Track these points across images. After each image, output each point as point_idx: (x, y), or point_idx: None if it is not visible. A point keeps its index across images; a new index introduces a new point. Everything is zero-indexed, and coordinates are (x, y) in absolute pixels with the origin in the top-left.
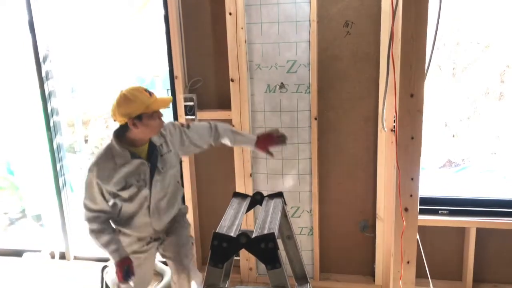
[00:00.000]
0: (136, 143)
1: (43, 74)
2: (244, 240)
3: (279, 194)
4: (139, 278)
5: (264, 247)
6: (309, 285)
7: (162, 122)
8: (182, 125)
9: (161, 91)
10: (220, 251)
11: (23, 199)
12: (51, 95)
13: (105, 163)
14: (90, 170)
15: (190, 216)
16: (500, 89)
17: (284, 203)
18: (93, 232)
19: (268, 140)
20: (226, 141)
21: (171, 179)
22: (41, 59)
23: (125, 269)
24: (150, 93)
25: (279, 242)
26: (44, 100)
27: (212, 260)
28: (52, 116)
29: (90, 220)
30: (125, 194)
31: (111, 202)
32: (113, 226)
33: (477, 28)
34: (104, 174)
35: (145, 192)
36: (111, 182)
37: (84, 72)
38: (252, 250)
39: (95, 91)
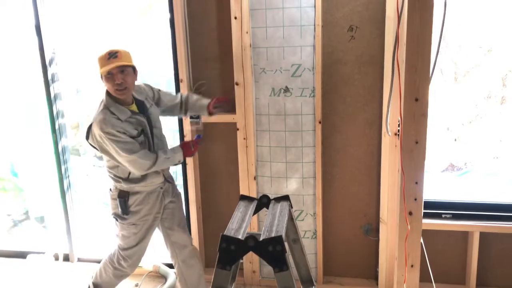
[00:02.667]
0: (121, 102)
1: (49, 77)
2: (252, 243)
3: (286, 197)
4: (140, 247)
5: (272, 250)
6: None
7: (115, 84)
8: (154, 88)
9: None
10: (228, 253)
11: (26, 200)
12: (57, 97)
13: (110, 118)
14: (101, 129)
15: (193, 219)
16: (502, 93)
17: (291, 206)
18: (148, 166)
19: (216, 99)
20: (190, 100)
21: (160, 126)
22: (47, 62)
23: (196, 138)
24: (111, 55)
25: (286, 245)
26: (50, 102)
27: (220, 262)
28: (58, 118)
29: (139, 161)
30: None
31: None
32: (125, 186)
33: (479, 32)
34: (116, 125)
35: (147, 142)
36: (124, 130)
37: (89, 74)
38: (260, 253)
39: (100, 93)
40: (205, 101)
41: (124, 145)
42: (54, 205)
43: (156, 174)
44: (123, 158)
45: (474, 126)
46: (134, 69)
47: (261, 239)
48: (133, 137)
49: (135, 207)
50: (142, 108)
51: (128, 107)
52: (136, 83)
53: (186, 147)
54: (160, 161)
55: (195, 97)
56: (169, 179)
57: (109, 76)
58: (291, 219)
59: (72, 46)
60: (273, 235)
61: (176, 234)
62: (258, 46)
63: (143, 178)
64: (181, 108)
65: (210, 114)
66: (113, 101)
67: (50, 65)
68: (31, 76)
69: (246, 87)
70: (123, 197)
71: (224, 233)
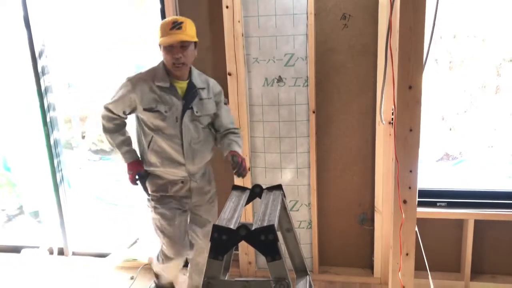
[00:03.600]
0: (172, 75)
1: (39, 69)
2: (244, 232)
3: (278, 187)
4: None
5: (264, 239)
6: (309, 277)
7: (173, 58)
8: (225, 98)
9: None
10: (220, 243)
11: (20, 195)
12: (48, 90)
13: (144, 79)
14: (129, 79)
15: None
16: (496, 82)
17: (283, 195)
18: (107, 130)
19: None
20: (224, 140)
21: (207, 126)
22: (36, 54)
23: (137, 173)
24: (175, 25)
25: (279, 235)
26: (41, 95)
27: (212, 252)
28: (49, 111)
29: (106, 119)
30: (151, 118)
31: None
32: (147, 167)
33: (474, 21)
34: (139, 87)
35: (174, 127)
36: (143, 97)
37: (81, 68)
38: (252, 242)
39: (92, 86)
40: (228, 150)
41: (115, 93)
42: (48, 200)
43: (177, 164)
44: (109, 98)
45: (469, 115)
46: (195, 44)
47: (253, 228)
48: (156, 110)
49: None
50: (190, 91)
51: (176, 82)
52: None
53: (132, 169)
54: (117, 139)
55: (227, 141)
56: (194, 178)
57: (168, 48)
58: (284, 208)
59: (62, 39)
60: (265, 224)
61: (196, 239)
62: (250, 36)
63: (161, 156)
64: (216, 138)
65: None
66: (164, 68)
67: (40, 58)
68: (21, 69)
69: (239, 77)
70: (143, 177)
71: (216, 223)
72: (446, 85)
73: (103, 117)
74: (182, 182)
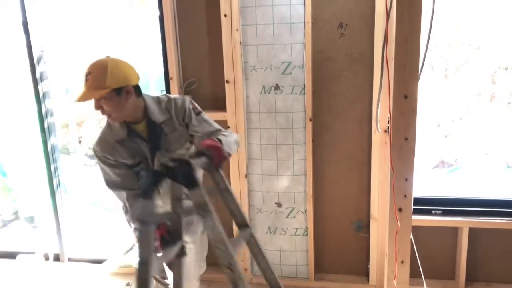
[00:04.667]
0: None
1: (37, 75)
2: (165, 170)
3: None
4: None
5: (183, 172)
6: (249, 229)
7: (99, 110)
8: (194, 107)
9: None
10: (147, 183)
11: (16, 200)
12: (46, 96)
13: (104, 140)
14: (94, 150)
15: None
16: (491, 90)
17: (210, 158)
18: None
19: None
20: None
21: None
22: (35, 60)
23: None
24: (85, 76)
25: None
26: (39, 101)
27: (142, 194)
28: (47, 117)
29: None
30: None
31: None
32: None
33: (468, 29)
34: (108, 152)
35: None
36: (118, 158)
37: (78, 73)
38: (173, 178)
39: None
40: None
41: (102, 172)
42: (44, 205)
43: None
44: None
45: (465, 123)
46: (119, 90)
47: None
48: (128, 166)
49: None
50: (153, 131)
51: (134, 126)
52: (176, 96)
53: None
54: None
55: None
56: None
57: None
58: (216, 170)
59: (61, 44)
60: (183, 160)
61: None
62: (248, 44)
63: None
64: None
65: None
66: None
67: (38, 64)
68: (20, 75)
69: (237, 84)
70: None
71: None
72: (441, 92)
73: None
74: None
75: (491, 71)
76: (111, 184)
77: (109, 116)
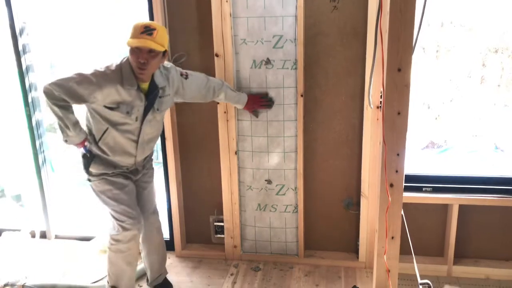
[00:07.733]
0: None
1: (20, 48)
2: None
3: None
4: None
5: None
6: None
7: (138, 61)
8: (181, 73)
9: None
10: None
11: (1, 179)
12: (29, 69)
13: (111, 80)
14: (96, 77)
15: (174, 195)
16: (482, 72)
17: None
18: (62, 107)
19: (256, 102)
20: (220, 97)
21: (162, 118)
22: (17, 32)
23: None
24: (146, 30)
25: None
26: (22, 74)
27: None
28: (30, 91)
29: (57, 99)
30: (110, 114)
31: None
32: (95, 150)
33: (461, 10)
34: (107, 89)
35: (134, 126)
36: (107, 97)
37: (64, 47)
38: None
39: (75, 67)
40: (243, 99)
41: (79, 79)
42: (30, 183)
43: (128, 155)
44: (71, 79)
45: (455, 104)
46: (164, 53)
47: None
48: (117, 109)
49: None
50: (153, 92)
51: (140, 83)
52: (168, 64)
53: (81, 145)
54: (72, 118)
55: (231, 93)
56: (139, 163)
57: (135, 50)
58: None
59: (45, 17)
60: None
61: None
62: (238, 16)
63: (112, 149)
64: (214, 94)
65: (255, 115)
66: (131, 69)
67: (20, 35)
68: (2, 48)
69: (226, 58)
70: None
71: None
72: (433, 73)
73: (55, 96)
74: (127, 168)
75: (482, 53)
76: (68, 94)
77: (144, 69)
